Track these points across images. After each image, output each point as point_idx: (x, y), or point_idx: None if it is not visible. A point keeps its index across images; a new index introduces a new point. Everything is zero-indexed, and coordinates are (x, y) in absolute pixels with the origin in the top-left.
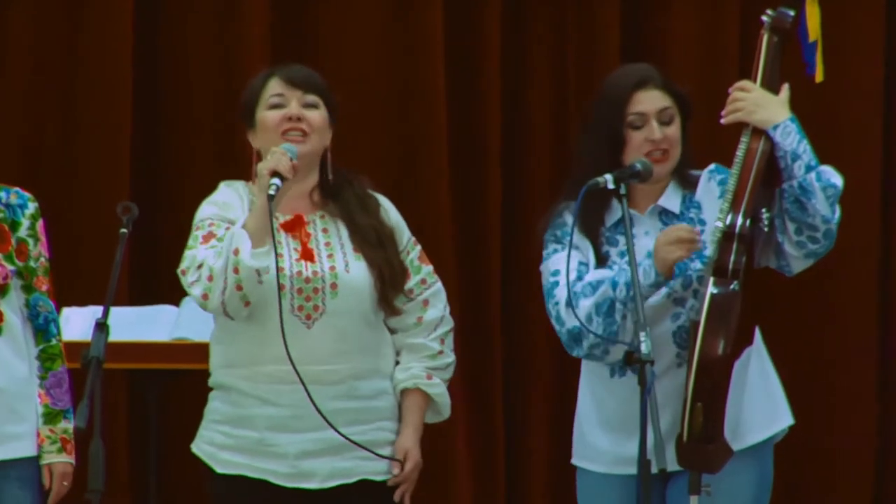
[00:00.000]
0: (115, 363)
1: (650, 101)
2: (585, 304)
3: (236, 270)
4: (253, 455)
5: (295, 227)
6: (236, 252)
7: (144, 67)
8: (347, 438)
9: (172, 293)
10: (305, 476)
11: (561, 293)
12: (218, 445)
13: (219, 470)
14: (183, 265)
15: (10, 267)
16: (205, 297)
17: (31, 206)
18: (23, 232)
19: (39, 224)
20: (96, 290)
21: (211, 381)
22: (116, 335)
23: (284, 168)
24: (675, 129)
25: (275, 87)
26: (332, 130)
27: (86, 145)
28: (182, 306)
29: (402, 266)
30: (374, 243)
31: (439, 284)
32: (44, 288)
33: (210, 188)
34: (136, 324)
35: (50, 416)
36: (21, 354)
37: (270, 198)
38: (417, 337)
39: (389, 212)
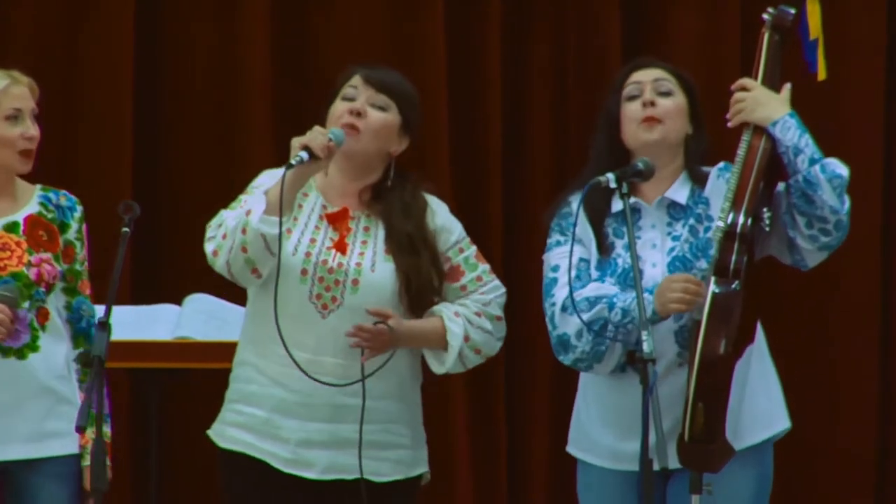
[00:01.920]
0: (117, 362)
1: (647, 74)
2: (578, 320)
3: (244, 231)
4: (258, 435)
5: (339, 218)
6: (248, 213)
7: (145, 67)
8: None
9: (174, 292)
10: (304, 465)
11: (559, 294)
12: (228, 423)
13: (222, 444)
14: (211, 221)
15: (58, 268)
16: (214, 253)
17: (79, 210)
18: (71, 234)
19: (84, 228)
20: (98, 290)
21: (235, 359)
22: (118, 334)
23: (317, 145)
24: (672, 102)
25: (354, 81)
26: (407, 140)
27: (87, 145)
28: (184, 305)
29: (439, 272)
30: (407, 250)
31: (497, 282)
32: (87, 292)
33: (211, 187)
34: (138, 323)
35: (92, 420)
36: (61, 354)
37: (289, 166)
38: (461, 301)
39: (437, 213)
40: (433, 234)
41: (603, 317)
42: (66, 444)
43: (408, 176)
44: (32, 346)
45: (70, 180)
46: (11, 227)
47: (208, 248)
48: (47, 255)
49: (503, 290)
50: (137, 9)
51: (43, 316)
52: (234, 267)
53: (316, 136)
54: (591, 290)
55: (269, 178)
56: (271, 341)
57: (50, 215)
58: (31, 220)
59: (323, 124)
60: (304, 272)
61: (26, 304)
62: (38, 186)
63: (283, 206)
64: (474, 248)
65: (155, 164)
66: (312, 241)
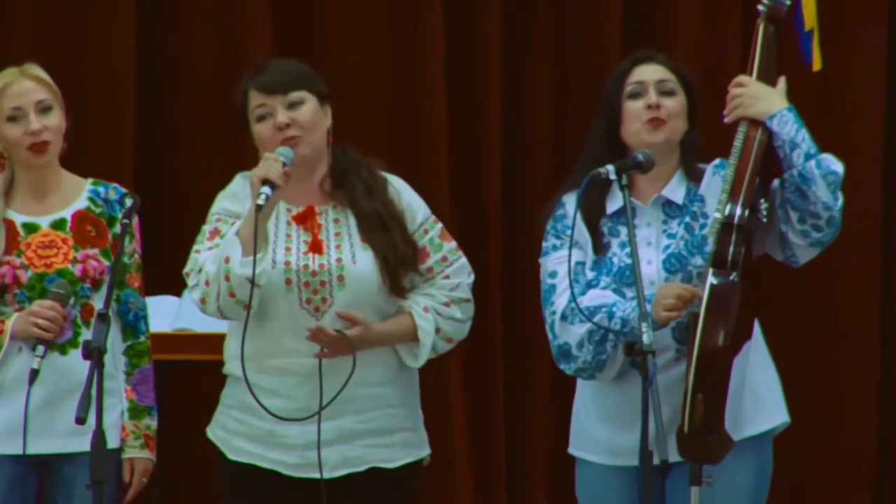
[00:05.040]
0: None
1: (650, 72)
2: (579, 331)
3: (227, 278)
4: (264, 445)
5: (306, 218)
6: (227, 260)
7: (148, 62)
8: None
9: (174, 284)
10: (313, 466)
11: (559, 302)
12: (231, 431)
13: (231, 456)
14: (187, 267)
15: (105, 263)
16: (203, 301)
17: (128, 202)
18: (119, 227)
19: (135, 220)
20: None
21: (224, 370)
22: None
23: (275, 175)
24: (675, 103)
25: (255, 98)
26: (328, 109)
27: (89, 136)
28: (184, 297)
29: (411, 246)
30: (378, 228)
31: (463, 260)
32: (136, 285)
33: (213, 179)
34: None
35: (135, 412)
36: (108, 349)
37: (259, 208)
38: (428, 290)
39: (402, 193)
40: (399, 212)
41: (604, 326)
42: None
43: (356, 155)
44: (74, 343)
45: (71, 172)
46: (59, 224)
47: (195, 296)
48: (94, 251)
49: (469, 268)
50: (139, 4)
51: (88, 312)
52: (226, 311)
53: (271, 166)
54: (591, 298)
55: (228, 202)
56: (263, 356)
57: (98, 210)
58: (79, 216)
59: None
60: (288, 282)
61: (71, 301)
62: (90, 181)
63: (258, 240)
64: (439, 226)
65: (156, 157)
66: (287, 249)
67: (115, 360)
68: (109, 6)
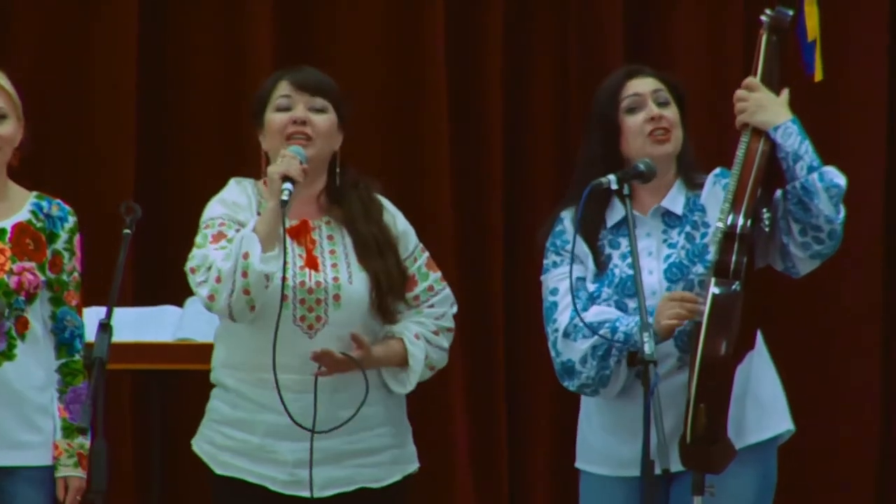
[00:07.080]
0: (119, 364)
1: (644, 84)
2: (582, 346)
3: (245, 274)
4: (253, 460)
5: (300, 233)
6: (246, 256)
7: (149, 66)
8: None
9: (176, 293)
10: (303, 484)
11: (561, 319)
12: (218, 446)
13: (218, 471)
14: (192, 263)
15: (41, 277)
16: (211, 298)
17: (71, 220)
18: (60, 244)
19: (76, 238)
20: (100, 291)
21: (212, 378)
22: (120, 336)
23: (295, 172)
24: (672, 113)
25: (283, 89)
26: (343, 134)
27: (90, 145)
28: (185, 307)
29: (403, 273)
30: (374, 252)
31: (447, 291)
32: (73, 303)
33: (215, 188)
34: (140, 324)
35: (68, 431)
36: (41, 364)
37: (283, 203)
38: (417, 318)
39: (396, 218)
40: (394, 238)
41: (607, 340)
42: (39, 455)
43: (354, 175)
44: (8, 355)
45: (73, 181)
46: None
47: (202, 292)
48: (30, 265)
49: (453, 298)
50: (141, 8)
51: (22, 325)
52: (235, 309)
53: (290, 163)
54: (594, 314)
55: (229, 210)
56: (257, 368)
57: (39, 224)
58: (19, 228)
59: (251, 134)
60: (283, 297)
61: (6, 313)
62: (34, 194)
63: (276, 239)
64: (426, 255)
65: (158, 165)
66: (284, 263)
67: (49, 379)
68: (112, 13)
